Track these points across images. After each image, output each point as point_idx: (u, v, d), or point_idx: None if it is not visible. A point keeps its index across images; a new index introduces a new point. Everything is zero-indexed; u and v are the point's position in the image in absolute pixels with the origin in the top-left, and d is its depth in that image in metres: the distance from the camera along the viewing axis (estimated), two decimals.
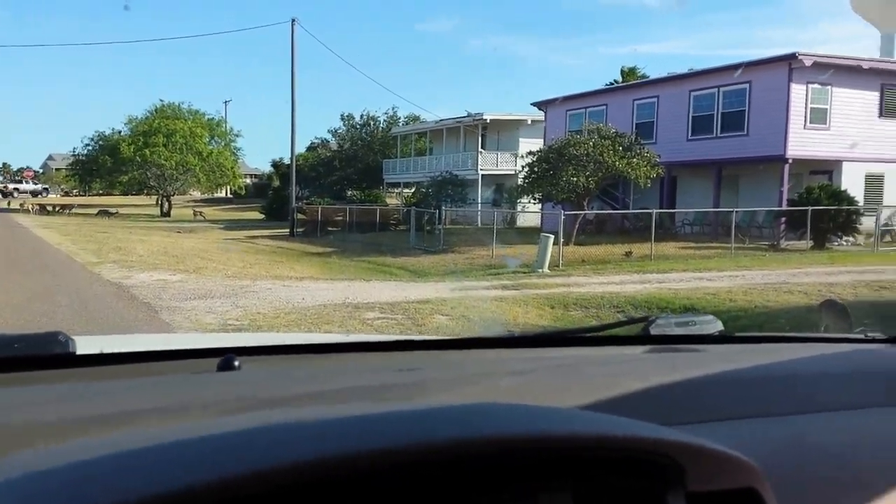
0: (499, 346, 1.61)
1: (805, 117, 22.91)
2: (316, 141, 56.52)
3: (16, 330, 1.69)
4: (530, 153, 24.94)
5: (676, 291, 13.35)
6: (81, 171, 56.69)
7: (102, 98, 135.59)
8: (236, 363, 1.19)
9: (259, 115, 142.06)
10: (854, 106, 23.34)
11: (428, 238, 25.48)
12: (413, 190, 39.90)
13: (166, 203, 53.50)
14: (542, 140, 28.67)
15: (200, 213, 48.92)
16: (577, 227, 22.03)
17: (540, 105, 32.38)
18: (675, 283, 14.60)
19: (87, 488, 0.59)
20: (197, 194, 66.09)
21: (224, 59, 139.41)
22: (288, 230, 33.45)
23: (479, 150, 36.50)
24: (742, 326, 10.77)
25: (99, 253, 21.19)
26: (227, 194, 66.68)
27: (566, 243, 19.32)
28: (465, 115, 37.52)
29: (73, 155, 57.02)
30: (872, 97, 23.76)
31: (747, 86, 23.87)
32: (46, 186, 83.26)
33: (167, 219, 48.56)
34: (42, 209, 51.84)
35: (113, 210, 49.41)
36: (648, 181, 23.10)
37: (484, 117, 36.06)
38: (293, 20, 33.51)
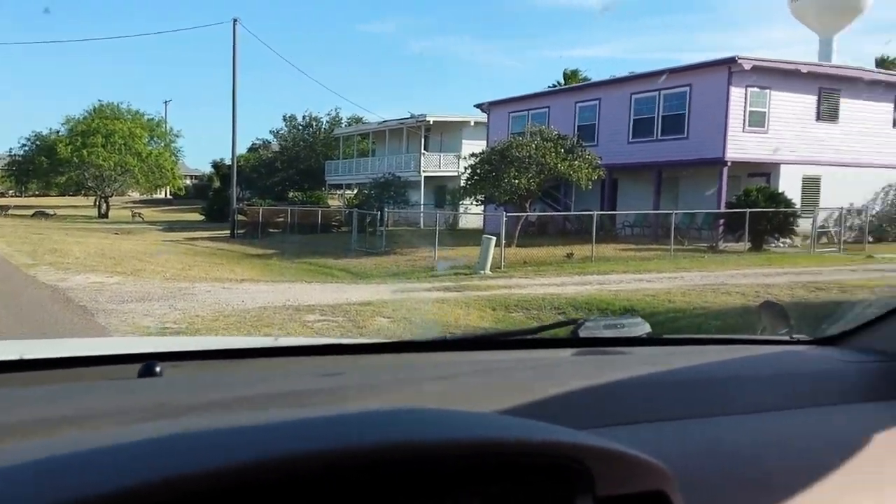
0: (429, 350, 1.60)
1: (744, 120, 23.37)
2: (257, 142, 56.24)
3: None
4: (473, 155, 24.96)
5: (616, 293, 13.44)
6: (17, 172, 56.15)
7: (39, 98, 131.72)
8: (158, 369, 1.17)
9: (200, 115, 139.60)
10: (792, 109, 23.89)
11: (370, 240, 25.33)
12: (355, 191, 39.66)
13: (104, 204, 52.97)
14: (485, 142, 28.72)
15: (139, 214, 48.39)
16: (519, 228, 22.09)
17: (483, 107, 32.46)
18: (616, 284, 14.71)
19: None
20: (136, 195, 65.02)
21: (164, 59, 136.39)
22: (228, 232, 33.25)
23: (422, 151, 36.45)
24: (680, 327, 10.89)
25: (34, 255, 20.73)
26: (166, 195, 65.97)
27: (508, 245, 19.36)
28: (409, 116, 37.43)
29: (10, 155, 56.37)
30: (810, 101, 24.34)
31: (687, 89, 24.27)
32: None
33: (105, 220, 48.04)
34: None
35: (50, 211, 48.75)
36: (590, 183, 23.30)
37: (427, 119, 36.02)
38: (234, 20, 33.28)
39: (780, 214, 21.26)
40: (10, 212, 50.09)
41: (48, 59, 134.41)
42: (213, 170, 57.75)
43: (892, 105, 25.31)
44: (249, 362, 1.41)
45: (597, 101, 27.55)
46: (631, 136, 25.98)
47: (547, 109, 29.16)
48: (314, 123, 52.89)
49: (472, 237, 21.43)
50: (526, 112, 29.51)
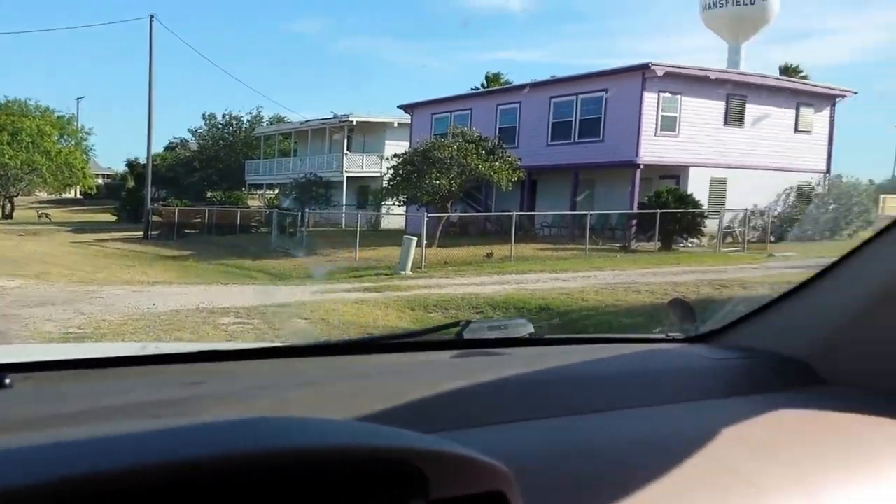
0: (307, 355, 1.55)
1: (656, 125, 24.12)
2: (175, 140, 54.70)
3: None
4: (395, 156, 25.01)
5: (533, 292, 13.69)
6: None
7: None
8: (7, 381, 1.11)
9: (115, 113, 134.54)
10: (701, 114, 24.74)
11: (290, 240, 25.09)
12: (276, 192, 39.14)
13: (9, 204, 50.49)
14: (408, 143, 28.77)
15: (46, 214, 46.43)
16: (440, 229, 22.24)
17: (406, 108, 32.51)
18: (533, 283, 14.98)
19: None
20: (44, 195, 62.28)
21: (77, 54, 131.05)
22: (142, 233, 32.42)
23: (345, 151, 36.21)
24: (593, 325, 11.19)
25: None
26: (76, 195, 63.40)
27: (429, 245, 19.49)
28: (332, 116, 37.15)
29: None
30: (719, 106, 25.26)
31: (604, 94, 24.90)
32: None
33: (9, 221, 45.89)
34: None
35: None
36: (510, 184, 23.66)
37: (350, 119, 35.83)
38: (151, 16, 32.63)
39: (689, 215, 22.06)
40: None
41: None
42: (127, 169, 55.90)
43: (794, 111, 26.54)
44: (113, 371, 1.35)
45: (518, 104, 27.97)
46: (550, 139, 26.48)
47: (469, 111, 29.43)
48: (234, 122, 51.87)
49: (394, 238, 21.46)
50: (448, 114, 29.72)
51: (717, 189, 24.93)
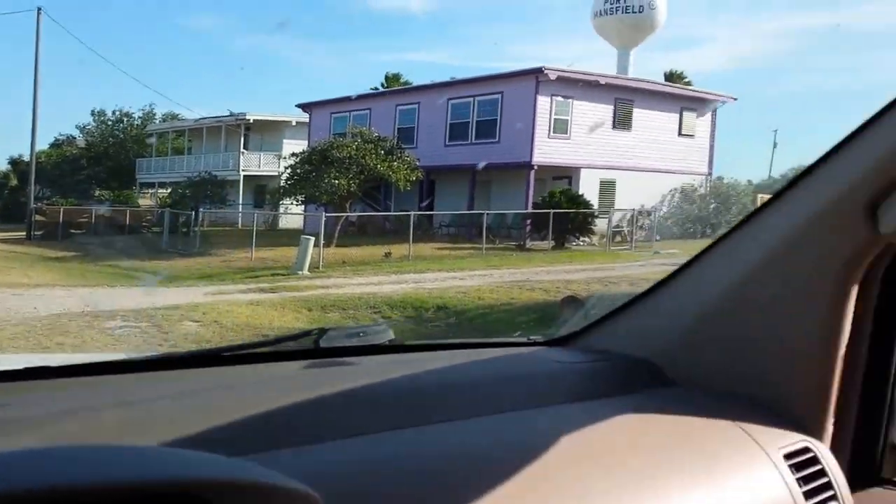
0: (145, 370, 1.39)
1: (549, 127, 24.81)
2: (61, 137, 52.06)
3: None
4: (293, 155, 24.75)
5: (431, 291, 13.88)
6: None
7: None
8: None
9: None
10: (592, 118, 25.54)
11: (183, 240, 24.44)
12: (169, 191, 37.93)
13: None
14: (306, 142, 28.51)
15: None
16: (338, 228, 22.17)
17: (305, 107, 32.17)
18: (431, 282, 15.18)
19: None
20: None
21: None
22: (24, 233, 30.79)
23: (242, 150, 35.47)
24: (489, 322, 11.47)
25: None
26: None
27: (328, 245, 19.42)
28: (228, 114, 36.30)
29: None
30: (607, 110, 26.19)
31: (499, 96, 25.42)
32: None
33: None
34: None
35: None
36: (409, 184, 23.85)
37: (247, 117, 35.11)
38: (39, 9, 31.00)
39: (580, 215, 22.84)
40: None
41: None
42: (9, 167, 52.90)
43: (678, 115, 27.83)
44: None
45: (416, 105, 28.17)
46: (448, 140, 26.79)
47: (368, 111, 29.41)
48: (126, 119, 49.84)
49: (292, 237, 21.23)
50: (347, 113, 29.61)
51: (607, 190, 25.84)
